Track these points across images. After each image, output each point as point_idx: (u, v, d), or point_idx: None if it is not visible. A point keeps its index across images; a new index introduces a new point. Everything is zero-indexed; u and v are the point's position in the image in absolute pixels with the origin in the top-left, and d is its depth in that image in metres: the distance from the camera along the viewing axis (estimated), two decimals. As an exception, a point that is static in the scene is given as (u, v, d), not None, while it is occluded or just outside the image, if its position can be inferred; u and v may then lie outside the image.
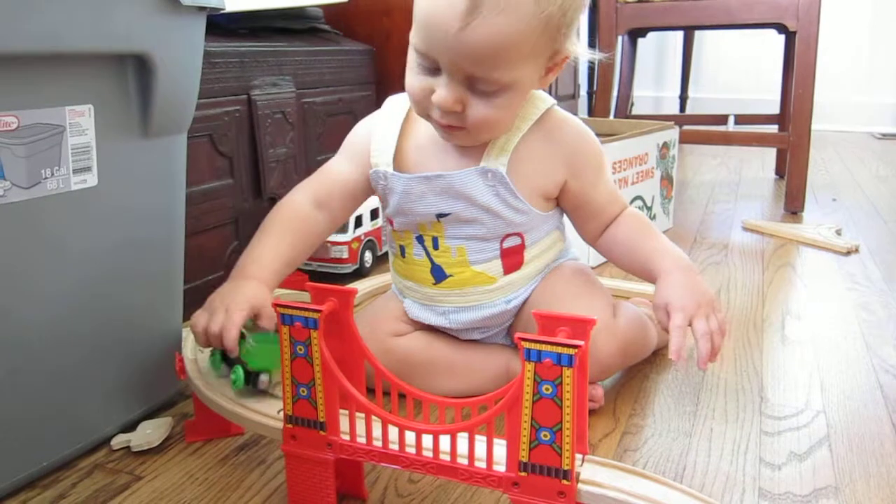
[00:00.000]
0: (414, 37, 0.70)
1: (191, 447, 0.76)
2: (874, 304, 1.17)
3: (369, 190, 0.84)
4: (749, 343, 1.01)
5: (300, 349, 0.59)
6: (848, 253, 1.44)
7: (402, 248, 0.84)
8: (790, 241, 1.53)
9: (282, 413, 0.63)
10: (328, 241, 1.23)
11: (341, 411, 0.61)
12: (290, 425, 0.62)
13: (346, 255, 1.23)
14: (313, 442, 0.61)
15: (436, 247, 0.81)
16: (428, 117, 0.74)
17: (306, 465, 0.62)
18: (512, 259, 0.81)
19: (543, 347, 0.51)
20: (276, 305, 0.60)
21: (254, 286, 0.72)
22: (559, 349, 0.51)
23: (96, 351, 0.73)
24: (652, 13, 1.86)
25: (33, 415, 0.68)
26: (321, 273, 1.24)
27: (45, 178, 0.64)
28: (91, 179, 0.68)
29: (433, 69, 0.69)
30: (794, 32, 1.74)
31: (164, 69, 0.71)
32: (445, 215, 0.79)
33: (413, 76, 0.72)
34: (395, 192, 0.79)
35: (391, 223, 0.84)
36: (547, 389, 0.52)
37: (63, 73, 0.64)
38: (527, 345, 0.51)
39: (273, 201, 1.24)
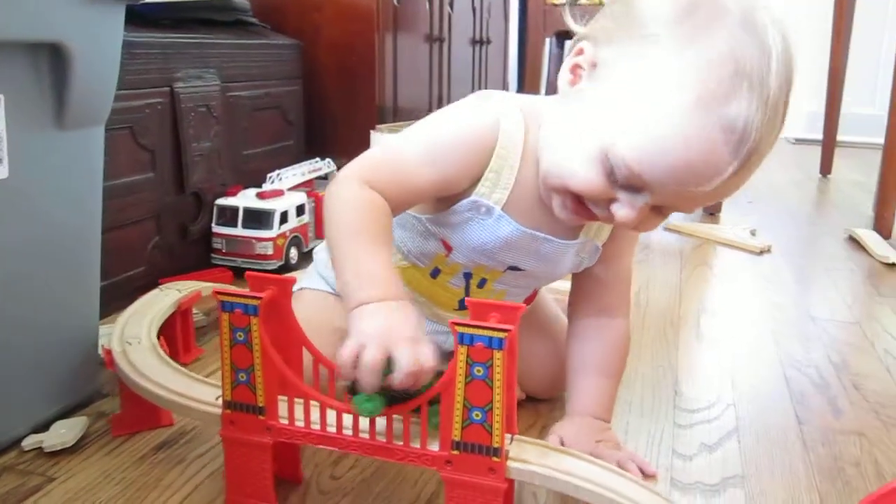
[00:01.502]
0: (628, 153, 0.57)
1: (107, 447, 0.74)
2: (783, 301, 1.22)
3: (432, 197, 0.70)
4: (666, 339, 1.04)
5: (240, 335, 0.60)
6: (761, 253, 1.50)
7: (436, 270, 0.74)
8: (707, 241, 1.59)
9: (220, 399, 0.63)
10: (253, 237, 1.22)
11: (279, 397, 0.62)
12: (228, 410, 0.62)
13: (271, 252, 1.21)
14: (252, 426, 0.62)
15: (480, 286, 0.75)
16: (563, 193, 0.64)
17: (245, 450, 0.63)
18: (532, 297, 0.83)
19: (476, 331, 0.53)
20: (215, 293, 0.60)
21: (410, 308, 0.59)
22: (490, 333, 0.53)
23: (6, 349, 0.71)
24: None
25: (-62, 415, 0.65)
26: (245, 269, 1.21)
27: (-48, 169, 0.62)
28: (2, 171, 0.66)
29: (630, 188, 0.60)
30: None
31: (80, 59, 0.70)
32: (517, 270, 0.73)
33: (594, 174, 0.60)
34: (491, 232, 0.69)
35: (448, 249, 0.72)
36: (479, 371, 0.54)
37: (-28, 61, 0.62)
38: (460, 329, 0.54)
39: (196, 196, 1.23)
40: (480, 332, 0.53)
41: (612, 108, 0.59)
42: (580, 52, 0.63)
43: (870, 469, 0.74)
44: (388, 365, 0.54)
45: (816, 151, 2.55)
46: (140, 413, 0.75)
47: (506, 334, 0.53)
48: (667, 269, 1.38)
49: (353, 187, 0.64)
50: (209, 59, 1.25)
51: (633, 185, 0.59)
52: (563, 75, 0.65)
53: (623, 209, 0.60)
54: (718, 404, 0.86)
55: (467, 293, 0.75)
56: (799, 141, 3.37)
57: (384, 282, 0.59)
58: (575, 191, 0.62)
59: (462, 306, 0.76)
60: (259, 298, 0.59)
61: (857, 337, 1.08)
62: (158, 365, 0.73)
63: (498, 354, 0.53)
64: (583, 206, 0.63)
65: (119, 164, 1.06)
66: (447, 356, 0.56)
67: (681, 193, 0.58)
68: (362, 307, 0.57)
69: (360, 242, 0.61)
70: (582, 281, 0.78)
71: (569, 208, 0.64)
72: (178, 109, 1.17)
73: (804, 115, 3.52)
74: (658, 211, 0.62)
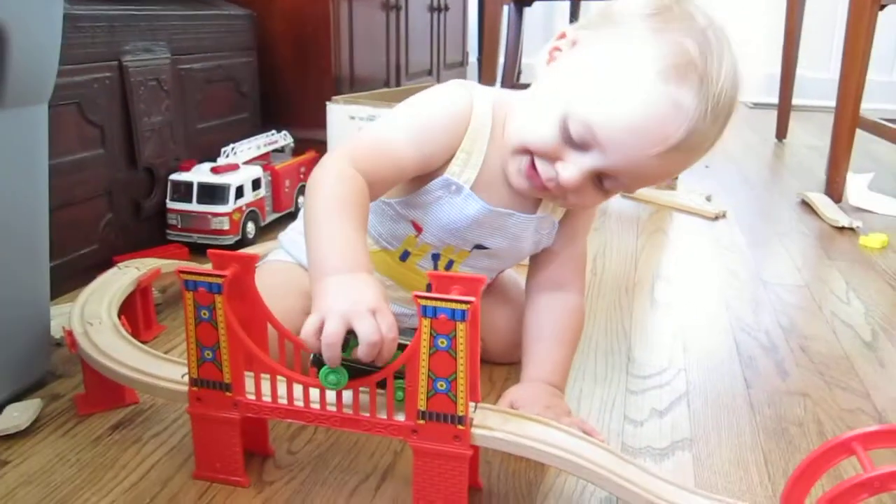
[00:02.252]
0: (589, 112, 0.64)
1: (62, 429, 0.73)
2: (736, 266, 1.25)
3: (412, 176, 0.73)
4: (620, 306, 1.06)
5: (204, 314, 0.60)
6: (716, 218, 1.53)
7: (405, 253, 0.78)
8: (664, 208, 1.61)
9: (185, 377, 0.64)
10: (208, 213, 1.20)
11: (246, 373, 0.63)
12: (195, 388, 0.63)
13: (227, 227, 1.20)
14: (219, 403, 0.63)
15: (447, 268, 0.79)
16: (521, 154, 0.69)
17: (213, 426, 0.64)
18: (496, 279, 0.87)
19: (439, 304, 0.55)
20: (178, 272, 0.60)
21: (373, 280, 0.60)
22: (453, 305, 0.54)
23: (-47, 333, 0.70)
24: (536, -17, 1.89)
25: None
26: (201, 244, 1.21)
27: None
28: (-61, 153, 0.64)
29: (580, 146, 0.65)
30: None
31: (18, 37, 0.68)
32: (483, 248, 0.77)
33: (549, 128, 0.66)
34: (459, 210, 0.73)
35: (417, 230, 0.76)
36: (442, 343, 0.55)
37: None
38: (423, 302, 0.55)
39: (149, 171, 1.21)
40: (443, 304, 0.55)
41: (578, 75, 0.66)
42: (562, 35, 0.70)
43: (812, 428, 0.76)
44: (353, 338, 0.55)
45: (773, 115, 2.58)
46: (104, 392, 0.76)
47: (468, 306, 0.54)
48: (623, 236, 1.40)
49: (335, 168, 0.66)
50: (158, 31, 1.22)
51: (584, 144, 0.64)
52: (542, 56, 0.72)
53: (567, 169, 0.66)
54: (670, 370, 0.88)
55: None
56: (756, 105, 3.41)
57: (349, 255, 0.60)
58: (529, 145, 0.68)
59: (429, 289, 0.77)
60: (223, 276, 0.59)
61: (805, 300, 1.10)
62: (122, 344, 0.73)
63: (461, 326, 0.55)
64: (536, 169, 0.68)
65: (67, 140, 1.04)
66: (412, 332, 0.58)
67: (627, 158, 0.64)
68: (326, 280, 0.59)
69: (332, 219, 0.63)
70: (539, 258, 0.82)
71: (523, 171, 0.69)
72: (128, 83, 1.15)
73: (761, 79, 3.55)
74: (600, 186, 0.68)
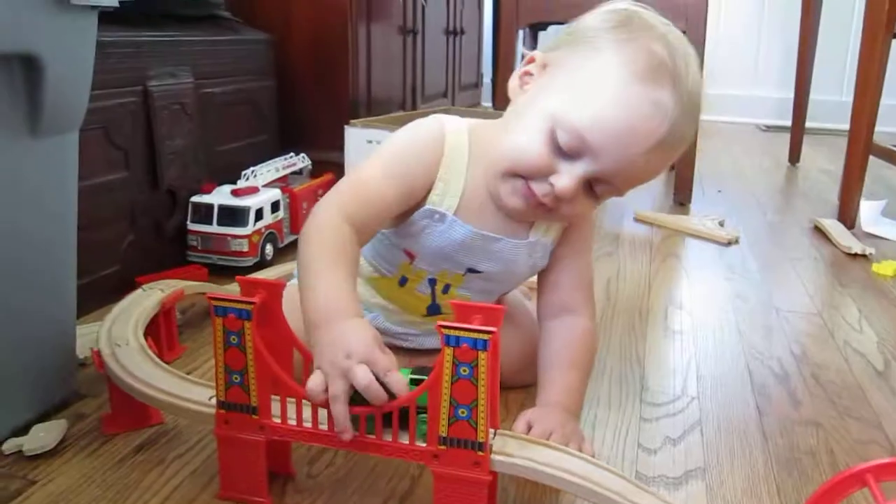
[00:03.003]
0: (576, 119, 0.67)
1: (87, 449, 0.75)
2: (748, 292, 1.26)
3: (399, 211, 0.76)
4: (634, 332, 1.07)
5: (233, 339, 0.62)
6: (729, 244, 1.54)
7: (403, 279, 0.81)
8: (677, 232, 1.62)
9: (213, 399, 0.66)
10: (228, 235, 1.22)
11: (272, 396, 0.65)
12: (222, 410, 0.65)
13: (246, 249, 1.23)
14: (246, 425, 0.65)
15: (445, 292, 0.81)
16: (511, 177, 0.71)
17: (239, 448, 0.66)
18: (499, 302, 0.87)
19: (461, 333, 0.56)
20: (209, 298, 0.62)
21: (361, 325, 0.63)
22: (475, 335, 0.56)
23: (-15, 354, 0.72)
24: (551, 8, 1.91)
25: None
26: (221, 266, 1.23)
27: (-73, 180, 0.62)
28: (-24, 181, 0.67)
29: (570, 155, 0.68)
30: (684, 32, 1.82)
31: (53, 68, 0.70)
32: (476, 272, 0.79)
33: (538, 144, 0.69)
34: (446, 237, 0.76)
35: (411, 258, 0.79)
36: (464, 371, 0.57)
37: (-55, 74, 0.62)
38: (446, 331, 0.57)
39: (170, 193, 1.23)
40: (465, 333, 0.56)
41: (558, 89, 0.70)
42: (531, 60, 0.75)
43: (824, 458, 0.77)
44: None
45: (786, 138, 2.59)
46: (130, 412, 0.78)
47: (490, 336, 0.56)
48: (636, 261, 1.41)
49: (323, 218, 0.71)
50: (182, 56, 1.25)
51: (575, 152, 0.68)
52: (513, 82, 0.76)
53: (562, 178, 0.68)
54: (683, 397, 0.89)
55: (433, 299, 0.81)
56: (769, 128, 3.42)
57: (338, 304, 0.64)
58: (520, 166, 0.70)
59: (431, 312, 0.82)
60: (252, 304, 0.61)
61: (817, 328, 1.11)
62: (149, 366, 0.75)
63: (482, 355, 0.56)
64: (531, 188, 0.71)
65: (92, 163, 1.06)
66: (424, 369, 0.62)
67: (616, 159, 0.67)
68: (318, 332, 0.63)
69: (320, 271, 0.67)
70: (544, 285, 0.83)
71: (519, 191, 0.71)
72: (152, 108, 1.17)
73: (774, 102, 3.57)
74: (591, 193, 0.71)
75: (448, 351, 0.57)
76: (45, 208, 0.76)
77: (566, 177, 0.68)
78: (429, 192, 0.75)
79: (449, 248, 0.76)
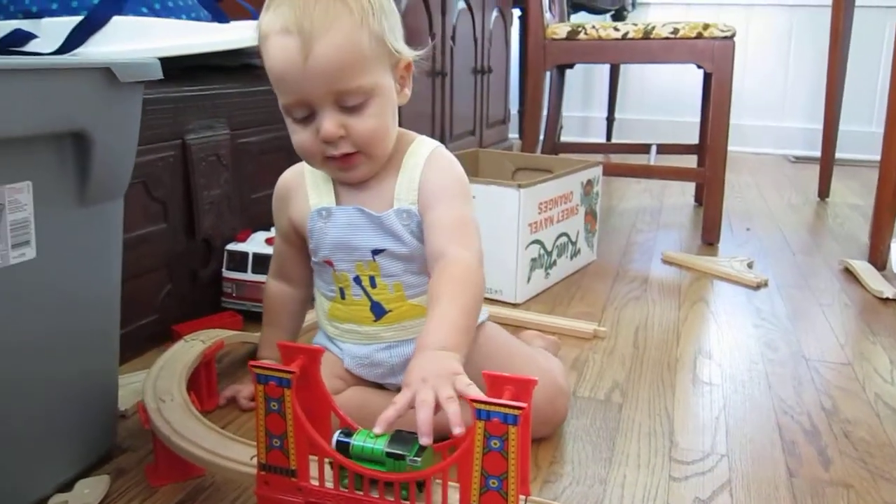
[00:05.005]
0: (280, 98, 0.80)
1: (128, 506, 0.78)
2: (778, 341, 1.25)
3: (299, 239, 0.92)
4: (663, 384, 1.08)
5: (273, 405, 0.65)
6: (758, 287, 1.54)
7: (341, 291, 0.88)
8: (705, 275, 1.62)
9: (254, 459, 0.68)
10: (262, 283, 1.25)
11: (311, 457, 0.67)
12: (263, 472, 0.67)
13: (280, 297, 1.25)
14: (285, 487, 0.67)
15: (373, 285, 0.87)
16: (326, 162, 0.81)
17: None
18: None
19: (492, 408, 0.58)
20: (251, 366, 0.65)
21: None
22: (506, 410, 0.58)
23: (32, 415, 0.74)
24: (578, 50, 1.94)
25: (-30, 483, 0.69)
26: (254, 313, 1.26)
27: (-16, 255, 0.65)
28: (29, 252, 0.70)
29: (307, 116, 0.79)
30: (710, 74, 1.83)
31: (101, 142, 0.74)
32: (380, 251, 0.85)
33: (298, 135, 0.81)
34: (337, 225, 0.86)
35: (331, 265, 0.87)
36: (495, 444, 0.59)
37: (3, 155, 0.65)
38: (477, 405, 0.58)
39: (207, 243, 1.27)
40: (496, 408, 0.58)
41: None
42: None
43: (856, 524, 0.77)
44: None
45: (815, 170, 2.59)
46: (174, 464, 0.81)
47: (520, 412, 0.57)
48: (665, 306, 1.42)
49: (266, 282, 1.01)
50: (219, 108, 1.29)
51: (305, 116, 0.78)
52: None
53: (320, 131, 0.78)
54: (713, 455, 0.89)
55: (370, 298, 0.87)
56: (798, 159, 3.41)
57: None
58: (309, 155, 0.82)
59: (376, 313, 0.88)
60: (292, 373, 0.64)
61: (848, 380, 1.11)
62: (193, 423, 0.78)
63: (513, 429, 0.58)
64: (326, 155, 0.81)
65: (133, 217, 1.10)
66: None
67: (301, 84, 0.76)
68: None
69: (264, 328, 1.00)
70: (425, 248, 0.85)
71: (338, 164, 0.81)
72: (190, 160, 1.21)
73: (803, 132, 3.56)
74: (347, 112, 0.78)
75: (479, 424, 0.59)
76: (92, 270, 0.79)
77: (321, 126, 0.77)
78: (302, 213, 0.88)
79: (345, 232, 0.86)
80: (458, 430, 0.61)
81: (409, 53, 0.84)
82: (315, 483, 0.67)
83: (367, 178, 0.85)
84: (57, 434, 0.78)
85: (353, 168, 0.82)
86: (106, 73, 0.73)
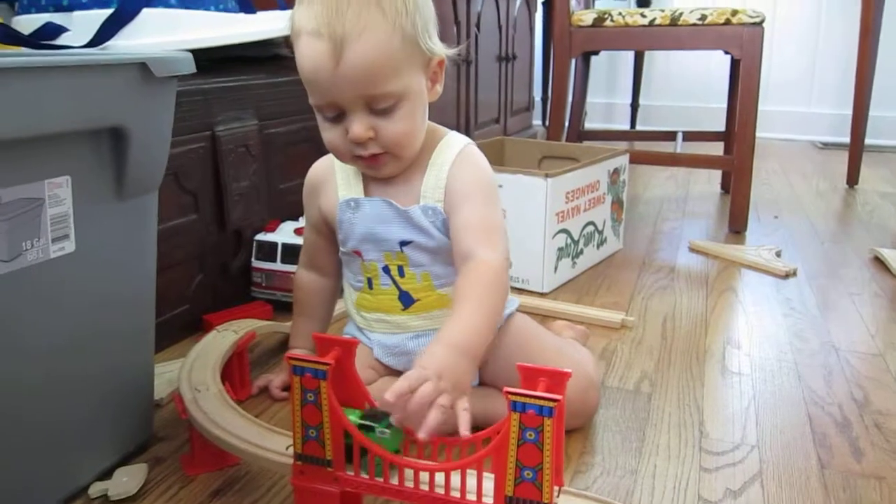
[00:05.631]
0: (311, 97, 0.80)
1: (167, 493, 0.79)
2: (807, 331, 1.25)
3: (329, 230, 0.94)
4: (692, 375, 1.08)
5: (310, 396, 0.66)
6: (786, 276, 1.52)
7: (369, 281, 0.90)
8: (733, 264, 1.61)
9: (290, 449, 0.70)
10: (291, 273, 1.26)
11: None
12: (299, 462, 0.69)
13: (309, 287, 1.26)
14: (321, 477, 0.68)
15: (402, 274, 0.88)
16: (355, 160, 0.83)
17: (314, 497, 0.69)
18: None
19: (527, 400, 0.59)
20: (288, 358, 0.66)
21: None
22: (541, 402, 0.58)
23: (73, 405, 0.76)
24: (604, 37, 1.93)
25: (14, 469, 0.71)
26: (284, 303, 1.27)
27: (26, 249, 0.67)
28: (69, 246, 0.71)
29: (338, 116, 0.79)
30: (739, 60, 1.82)
31: (137, 136, 0.75)
32: (408, 243, 0.86)
33: (328, 133, 0.82)
34: (365, 216, 0.87)
35: (359, 255, 0.89)
36: (530, 436, 0.59)
37: (43, 150, 0.67)
38: (513, 397, 0.59)
39: (237, 233, 1.28)
40: (532, 400, 0.59)
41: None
42: None
43: (889, 516, 0.77)
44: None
45: (843, 157, 2.55)
46: (209, 454, 0.82)
47: (555, 404, 0.58)
48: (692, 296, 1.41)
49: (297, 271, 1.03)
50: (247, 100, 1.30)
51: (335, 116, 0.79)
52: None
53: (349, 132, 0.78)
54: (743, 446, 0.89)
55: (398, 287, 0.89)
56: (826, 145, 3.37)
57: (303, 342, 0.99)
58: (339, 153, 0.83)
59: (405, 302, 0.89)
60: (328, 364, 0.65)
61: (879, 370, 1.10)
62: (228, 413, 0.80)
63: (548, 421, 0.59)
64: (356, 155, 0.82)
65: (165, 209, 1.10)
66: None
67: (332, 87, 0.76)
68: None
69: (295, 318, 1.02)
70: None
71: (367, 163, 0.82)
72: (219, 152, 1.22)
73: (831, 118, 3.51)
74: (378, 115, 0.78)
75: (514, 416, 0.59)
76: (129, 263, 0.81)
77: (350, 128, 0.78)
78: (332, 203, 0.90)
79: (374, 223, 0.87)
80: (465, 433, 0.65)
81: (441, 51, 0.83)
82: (351, 473, 0.68)
83: (394, 175, 0.86)
84: (96, 424, 0.80)
85: (381, 167, 0.83)
86: (141, 67, 0.74)
